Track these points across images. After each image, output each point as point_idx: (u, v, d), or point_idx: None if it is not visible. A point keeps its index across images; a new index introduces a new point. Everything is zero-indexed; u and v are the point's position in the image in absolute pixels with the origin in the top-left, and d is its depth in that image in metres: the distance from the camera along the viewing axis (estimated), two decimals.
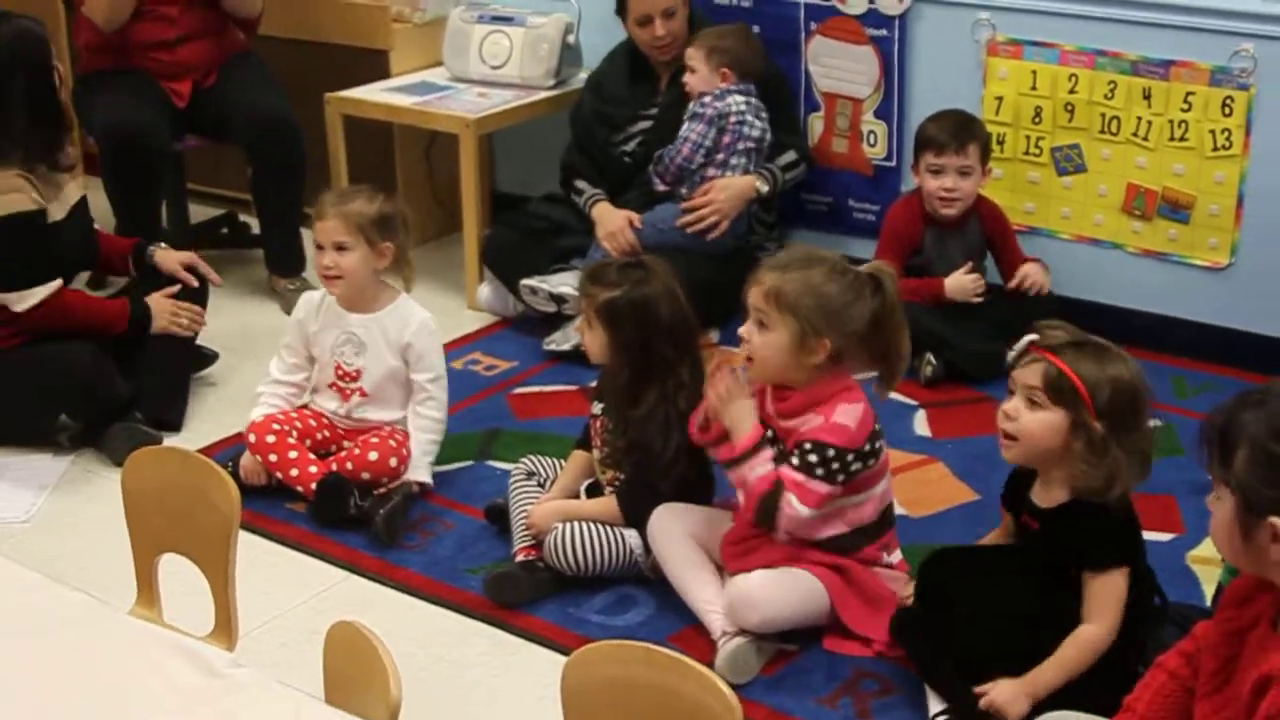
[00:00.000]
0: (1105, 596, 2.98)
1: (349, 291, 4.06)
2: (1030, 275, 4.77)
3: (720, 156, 4.98)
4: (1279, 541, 1.99)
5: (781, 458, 3.29)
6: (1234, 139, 4.58)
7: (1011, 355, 3.05)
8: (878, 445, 3.35)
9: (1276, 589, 2.10)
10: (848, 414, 3.27)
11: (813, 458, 3.24)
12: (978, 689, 2.99)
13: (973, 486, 4.06)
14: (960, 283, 4.74)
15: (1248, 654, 2.11)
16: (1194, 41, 4.59)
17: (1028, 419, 3.00)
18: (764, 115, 5.04)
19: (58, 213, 4.32)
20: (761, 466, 3.27)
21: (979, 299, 4.74)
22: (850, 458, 3.26)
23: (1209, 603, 3.24)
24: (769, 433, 3.32)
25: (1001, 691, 2.97)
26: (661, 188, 5.06)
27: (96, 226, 4.63)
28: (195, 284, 4.59)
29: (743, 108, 4.97)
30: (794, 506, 3.23)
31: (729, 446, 3.32)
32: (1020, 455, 3.06)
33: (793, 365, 3.28)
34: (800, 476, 3.24)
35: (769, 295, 3.27)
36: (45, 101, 4.25)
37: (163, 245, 4.66)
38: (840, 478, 3.26)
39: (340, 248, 3.99)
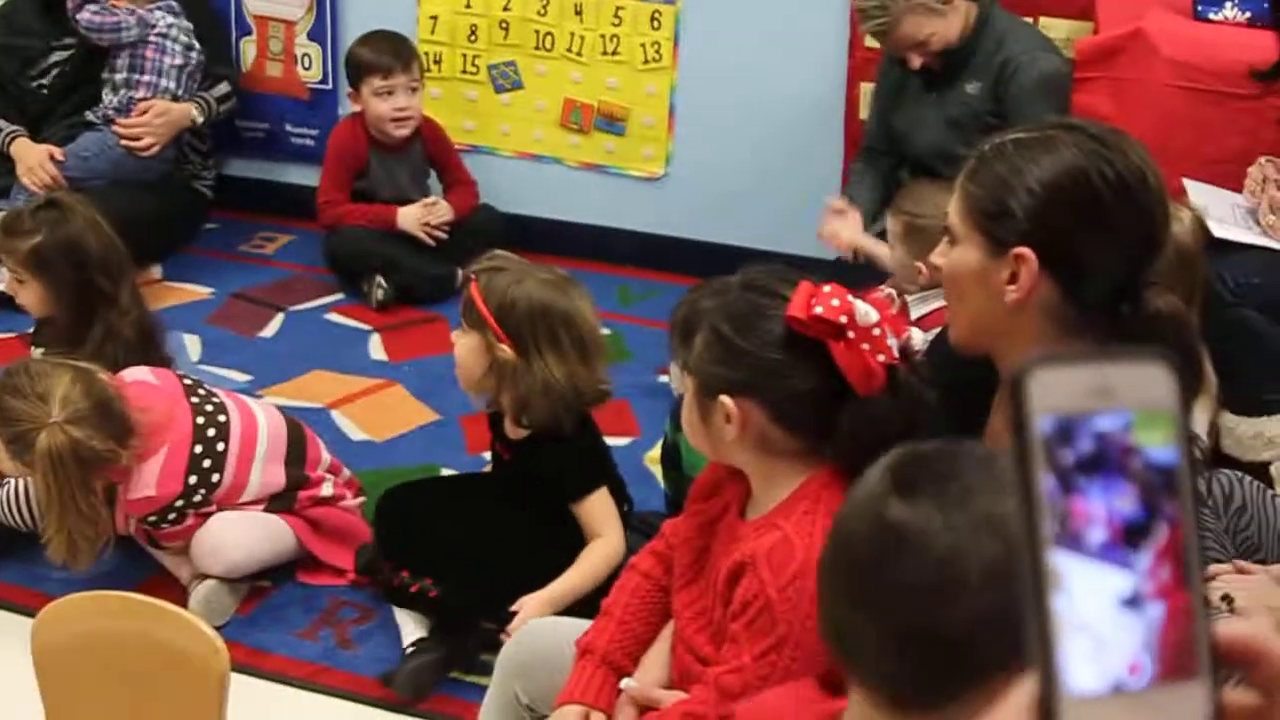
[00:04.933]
0: (596, 516, 3.01)
1: None
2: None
3: (149, 78, 4.76)
4: (730, 421, 2.06)
5: None
6: (663, 52, 4.72)
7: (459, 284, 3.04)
8: (204, 479, 3.18)
9: (740, 480, 2.17)
10: (141, 484, 3.12)
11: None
12: (512, 608, 2.97)
13: (433, 406, 4.06)
14: (412, 214, 4.70)
15: (719, 543, 2.18)
16: None
17: (457, 346, 3.01)
18: (192, 36, 4.85)
19: None
20: None
21: (436, 241, 4.71)
22: (170, 510, 3.17)
23: (664, 506, 3.35)
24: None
25: (529, 607, 2.93)
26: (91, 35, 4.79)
27: None
28: None
29: (168, 23, 4.77)
30: None
31: None
32: (461, 384, 3.06)
33: None
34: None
35: None
36: None
37: None
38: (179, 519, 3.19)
39: None
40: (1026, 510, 0.75)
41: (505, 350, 2.90)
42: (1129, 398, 0.76)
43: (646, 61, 4.74)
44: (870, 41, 4.22)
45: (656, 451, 3.65)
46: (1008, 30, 3.95)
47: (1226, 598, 2.69)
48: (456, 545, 3.05)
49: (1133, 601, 0.75)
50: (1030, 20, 4.19)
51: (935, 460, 1.38)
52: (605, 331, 3.18)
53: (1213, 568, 2.74)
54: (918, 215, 3.47)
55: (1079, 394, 0.76)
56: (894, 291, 2.66)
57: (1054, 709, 0.73)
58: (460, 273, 4.58)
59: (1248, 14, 3.69)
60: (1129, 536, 0.76)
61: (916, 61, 3.94)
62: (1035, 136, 2.03)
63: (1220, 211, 3.38)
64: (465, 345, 2.97)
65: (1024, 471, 0.75)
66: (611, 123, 4.87)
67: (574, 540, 3.02)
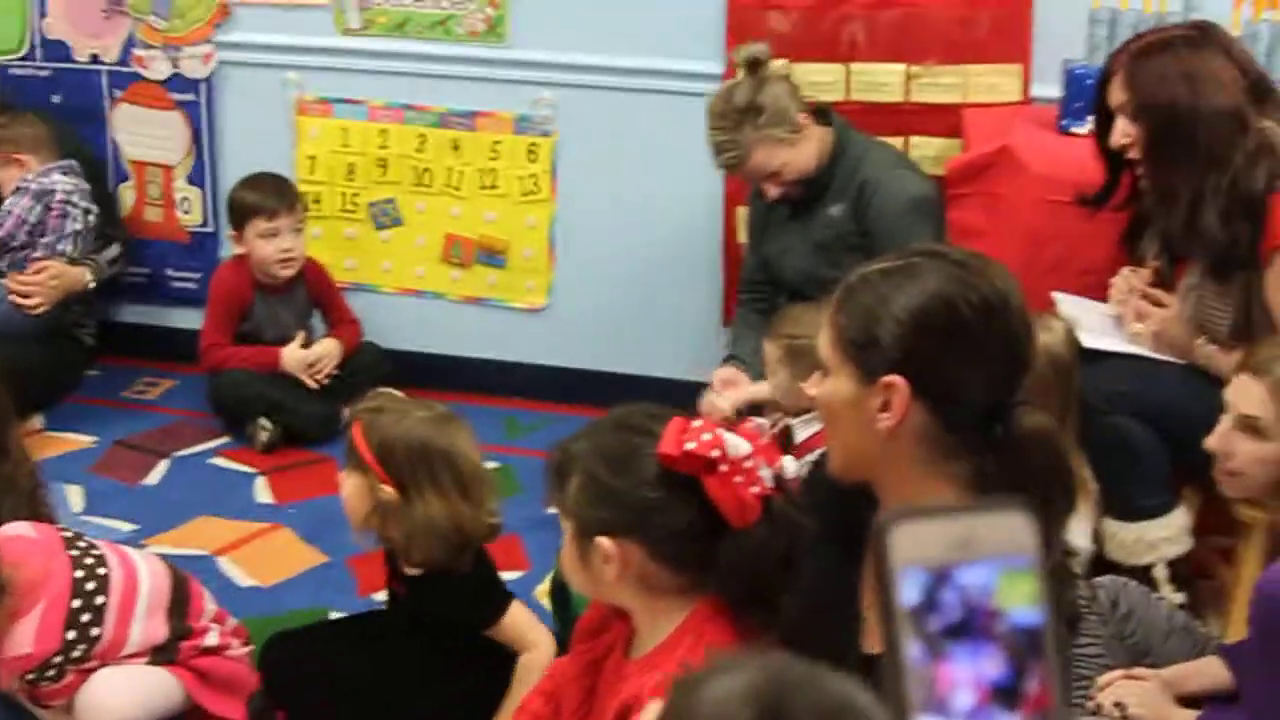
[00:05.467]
0: (517, 630, 3.01)
1: None
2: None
3: (48, 239, 4.73)
4: (610, 561, 2.06)
5: None
6: (541, 184, 4.75)
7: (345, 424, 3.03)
8: (84, 634, 3.06)
9: (625, 618, 2.16)
10: (16, 642, 3.00)
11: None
12: None
13: (321, 548, 4.01)
14: (295, 356, 4.68)
15: (605, 684, 2.17)
16: (497, 92, 4.73)
17: (343, 487, 2.99)
18: (89, 199, 4.82)
19: None
20: None
21: (316, 384, 4.69)
22: (49, 667, 3.03)
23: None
24: None
25: None
26: None
27: None
28: None
29: (70, 188, 4.74)
30: None
31: None
32: (350, 523, 3.04)
33: None
34: None
35: None
36: None
37: None
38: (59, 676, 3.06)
39: None
40: (892, 677, 0.75)
41: (387, 491, 2.89)
42: (990, 548, 0.77)
43: (525, 194, 4.77)
44: None
45: (546, 585, 3.63)
46: (865, 152, 3.97)
47: (1119, 705, 2.71)
48: (347, 687, 3.01)
49: None
50: (900, 139, 4.26)
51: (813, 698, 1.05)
52: (493, 465, 3.16)
53: (1105, 676, 2.77)
54: (796, 337, 3.50)
55: (941, 546, 0.76)
56: (766, 421, 2.69)
57: None
58: (346, 412, 4.58)
59: None
60: (997, 698, 0.76)
61: (773, 192, 3.95)
62: (899, 265, 2.06)
63: (1090, 322, 3.45)
64: (350, 486, 2.96)
65: (889, 636, 0.76)
66: (492, 256, 4.88)
67: (472, 663, 3.00)
